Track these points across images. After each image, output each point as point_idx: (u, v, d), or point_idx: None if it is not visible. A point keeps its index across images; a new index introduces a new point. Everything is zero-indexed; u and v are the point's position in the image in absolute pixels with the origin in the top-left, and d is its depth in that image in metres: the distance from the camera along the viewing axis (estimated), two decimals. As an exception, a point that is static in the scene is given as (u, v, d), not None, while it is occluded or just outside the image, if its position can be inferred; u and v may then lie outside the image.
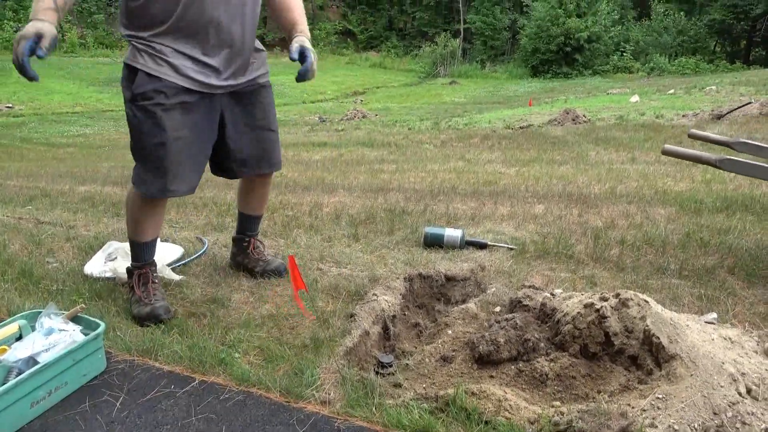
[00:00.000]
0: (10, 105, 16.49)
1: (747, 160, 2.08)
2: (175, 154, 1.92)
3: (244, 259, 2.43)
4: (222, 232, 3.14)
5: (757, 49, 29.47)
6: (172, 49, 1.87)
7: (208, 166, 2.16)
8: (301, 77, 2.01)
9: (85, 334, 1.71)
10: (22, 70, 1.64)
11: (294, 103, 19.53)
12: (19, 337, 1.66)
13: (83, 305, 1.80)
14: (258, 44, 2.13)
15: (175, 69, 1.87)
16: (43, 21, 1.66)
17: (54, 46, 1.68)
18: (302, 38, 2.06)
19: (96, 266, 2.51)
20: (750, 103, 8.30)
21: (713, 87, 13.36)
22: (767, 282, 2.18)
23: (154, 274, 2.15)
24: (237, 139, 2.12)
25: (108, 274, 2.42)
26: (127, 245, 2.63)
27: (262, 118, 2.15)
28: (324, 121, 13.63)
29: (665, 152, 2.14)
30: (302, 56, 2.00)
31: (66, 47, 26.09)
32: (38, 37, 1.63)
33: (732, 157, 2.07)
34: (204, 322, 2.00)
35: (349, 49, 36.45)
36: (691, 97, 12.11)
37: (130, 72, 1.90)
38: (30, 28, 1.65)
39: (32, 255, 2.78)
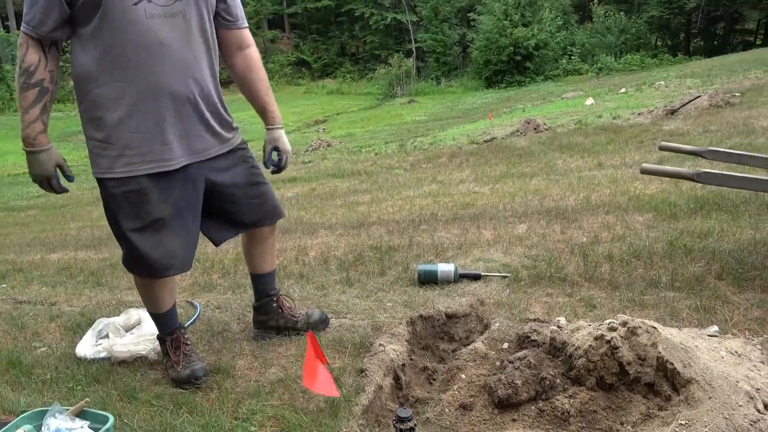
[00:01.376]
0: (-38, 171, 15.98)
1: (721, 172, 2.16)
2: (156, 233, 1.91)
3: (280, 320, 2.33)
4: (211, 291, 3.09)
5: (695, 40, 30.82)
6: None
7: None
8: (275, 173, 2.22)
9: (93, 429, 1.65)
10: (63, 192, 1.94)
11: (257, 139, 19.33)
12: (26, 444, 1.59)
13: (87, 399, 1.74)
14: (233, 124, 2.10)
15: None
16: (47, 149, 1.83)
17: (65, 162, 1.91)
18: (275, 134, 2.18)
19: (88, 347, 2.43)
20: (699, 96, 8.65)
21: (662, 82, 13.89)
22: (756, 284, 2.26)
23: (185, 336, 2.15)
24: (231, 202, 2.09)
25: (102, 355, 2.35)
26: (116, 319, 2.58)
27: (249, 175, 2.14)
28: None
29: (644, 171, 2.21)
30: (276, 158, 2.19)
31: (15, 106, 25.51)
32: (58, 167, 1.87)
33: (707, 170, 2.15)
34: (212, 396, 1.95)
35: (304, 79, 36.67)
36: (642, 95, 12.54)
37: None
38: (46, 164, 1.84)
39: (17, 341, 2.67)
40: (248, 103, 2.19)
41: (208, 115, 1.95)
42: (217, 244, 2.21)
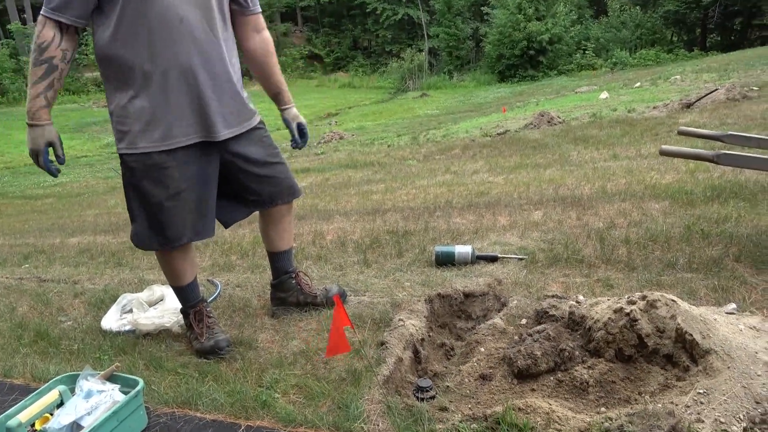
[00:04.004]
0: (-20, 161, 16.21)
1: (742, 153, 2.17)
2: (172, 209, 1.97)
3: (299, 296, 2.38)
4: (231, 271, 3.14)
5: (712, 35, 30.41)
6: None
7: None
8: (301, 148, 2.33)
9: (124, 392, 1.70)
10: (50, 172, 1.91)
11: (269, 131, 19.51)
12: (60, 404, 1.65)
13: (118, 364, 1.80)
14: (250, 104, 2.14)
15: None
16: (44, 125, 1.85)
17: (62, 144, 1.92)
18: (293, 111, 2.29)
19: (113, 321, 2.49)
20: (716, 89, 8.57)
21: (677, 77, 13.75)
22: (774, 266, 2.26)
23: (208, 309, 2.21)
24: (247, 180, 2.14)
25: (127, 328, 2.41)
26: (140, 295, 2.64)
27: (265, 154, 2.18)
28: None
29: (663, 153, 2.22)
30: (300, 132, 2.28)
31: (32, 97, 25.72)
32: (49, 145, 1.86)
33: (727, 152, 2.16)
34: (236, 366, 2.00)
35: (317, 72, 36.66)
36: (658, 89, 12.43)
37: None
38: (38, 139, 1.85)
39: (43, 315, 2.75)
40: (260, 97, 2.26)
41: (227, 93, 1.98)
42: (227, 226, 2.26)
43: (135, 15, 1.77)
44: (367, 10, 36.80)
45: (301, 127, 2.29)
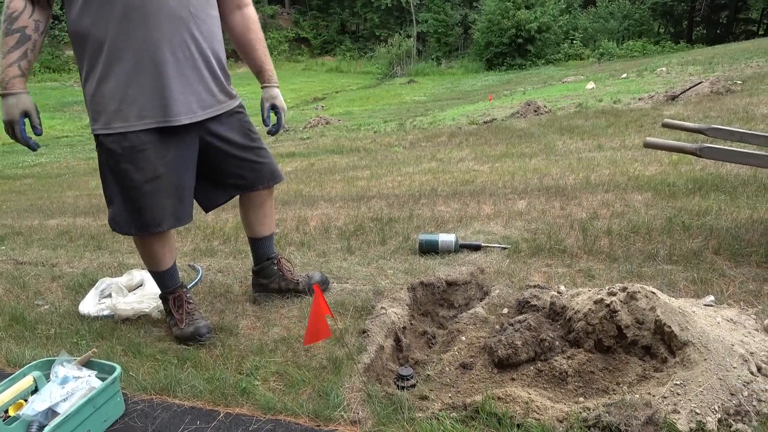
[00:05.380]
0: (-43, 139, 15.80)
1: (724, 147, 2.18)
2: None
3: (281, 283, 2.35)
4: (213, 256, 3.11)
5: (698, 28, 30.64)
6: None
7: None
8: (273, 134, 2.22)
9: (101, 379, 1.68)
10: (28, 146, 1.83)
11: (253, 114, 19.26)
12: (35, 390, 1.62)
13: (95, 350, 1.77)
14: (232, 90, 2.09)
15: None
16: (19, 94, 1.77)
17: (39, 114, 1.83)
18: (272, 91, 2.19)
19: (91, 305, 2.45)
20: (701, 82, 8.63)
21: (663, 69, 13.84)
22: (752, 260, 2.29)
23: (188, 295, 2.18)
24: (227, 163, 2.10)
25: (105, 312, 2.38)
26: (119, 280, 2.61)
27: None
28: (287, 130, 13.53)
29: (647, 145, 2.23)
30: (276, 115, 2.20)
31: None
32: (25, 115, 1.79)
33: (710, 145, 2.17)
34: (216, 353, 1.98)
35: (304, 56, 36.29)
36: (644, 80, 12.51)
37: None
38: (13, 108, 1.77)
39: (19, 299, 2.70)
40: (247, 79, 2.19)
41: (206, 73, 1.93)
42: (207, 210, 2.22)
43: None
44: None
45: (275, 110, 2.20)
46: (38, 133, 1.83)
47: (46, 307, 2.58)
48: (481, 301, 2.20)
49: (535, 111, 9.46)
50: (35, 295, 2.75)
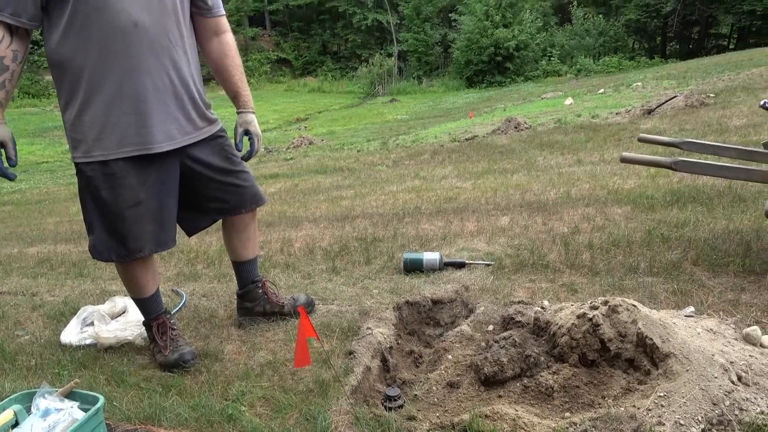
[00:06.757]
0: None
1: (698, 160, 2.24)
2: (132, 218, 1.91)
3: (266, 306, 2.33)
4: (197, 280, 3.09)
5: (671, 44, 31.45)
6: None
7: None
8: (246, 159, 2.16)
9: (83, 410, 1.65)
10: (5, 176, 1.78)
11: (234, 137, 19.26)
12: (15, 424, 1.58)
13: (77, 380, 1.73)
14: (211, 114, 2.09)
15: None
16: None
17: (15, 145, 1.80)
18: (247, 117, 2.16)
19: (73, 334, 2.41)
20: (676, 96, 8.84)
21: (639, 83, 14.14)
22: (729, 270, 2.34)
23: (171, 321, 2.15)
24: (209, 188, 2.10)
25: (88, 341, 2.34)
26: (102, 307, 2.57)
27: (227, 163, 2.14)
28: (271, 151, 13.54)
29: (624, 160, 2.28)
30: (249, 141, 2.15)
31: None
32: (1, 146, 1.76)
33: (685, 159, 2.23)
34: (201, 379, 1.96)
35: (286, 77, 36.46)
36: (620, 95, 12.76)
37: None
38: None
39: (-1, 330, 2.65)
40: (229, 100, 2.20)
41: (186, 100, 1.94)
42: (190, 234, 2.22)
43: (86, 19, 1.72)
44: (339, 10, 36.78)
45: (248, 135, 2.17)
46: (12, 165, 1.80)
47: (26, 337, 2.53)
48: (466, 319, 2.21)
49: (516, 127, 9.59)
50: (15, 325, 2.70)
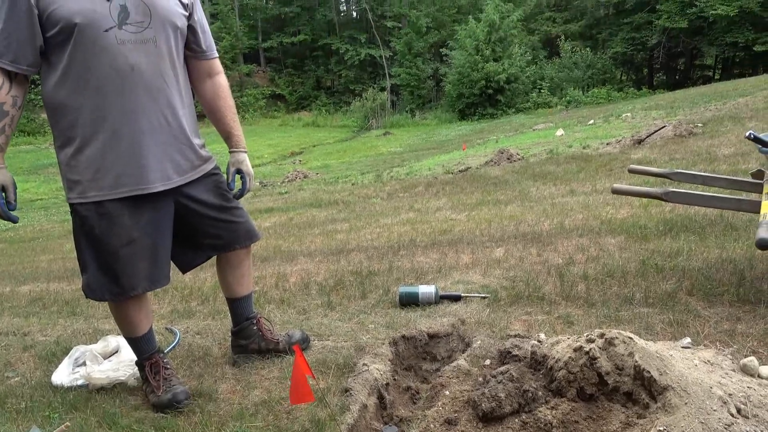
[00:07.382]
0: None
1: (688, 191, 2.27)
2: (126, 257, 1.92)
3: (261, 343, 2.31)
4: (191, 318, 3.06)
5: (658, 75, 32.15)
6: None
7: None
8: (238, 198, 2.18)
9: (74, 454, 1.61)
10: (8, 219, 1.82)
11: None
12: (4, 470, 1.55)
13: (68, 423, 1.71)
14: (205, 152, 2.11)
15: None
16: None
17: (16, 189, 1.84)
18: (239, 156, 2.19)
19: (64, 375, 2.38)
20: (665, 126, 8.98)
21: (628, 114, 14.38)
22: (724, 299, 2.35)
23: (165, 361, 2.13)
24: (203, 225, 2.10)
25: (80, 382, 2.30)
26: (94, 347, 2.54)
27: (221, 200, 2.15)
28: (265, 185, 13.60)
29: (615, 191, 2.31)
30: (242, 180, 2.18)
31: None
32: (2, 189, 1.79)
33: (675, 189, 2.26)
34: (195, 420, 1.93)
35: (280, 112, 36.85)
36: (610, 126, 12.95)
37: None
38: None
39: (-12, 372, 2.60)
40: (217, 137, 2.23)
41: (182, 139, 1.97)
42: (184, 271, 2.22)
43: (84, 63, 1.75)
44: (332, 48, 37.49)
45: (240, 174, 2.20)
46: (12, 209, 1.82)
47: (16, 379, 2.49)
48: (463, 353, 2.19)
49: (509, 158, 9.69)
50: (5, 366, 2.65)
